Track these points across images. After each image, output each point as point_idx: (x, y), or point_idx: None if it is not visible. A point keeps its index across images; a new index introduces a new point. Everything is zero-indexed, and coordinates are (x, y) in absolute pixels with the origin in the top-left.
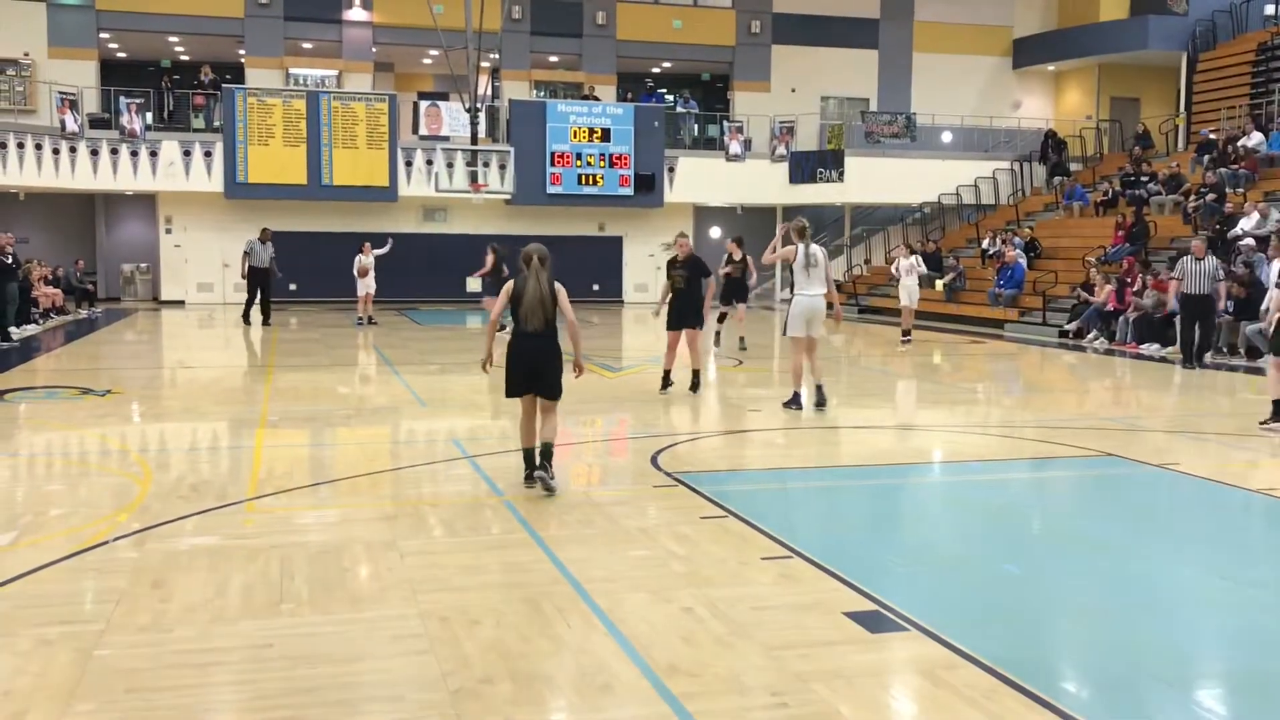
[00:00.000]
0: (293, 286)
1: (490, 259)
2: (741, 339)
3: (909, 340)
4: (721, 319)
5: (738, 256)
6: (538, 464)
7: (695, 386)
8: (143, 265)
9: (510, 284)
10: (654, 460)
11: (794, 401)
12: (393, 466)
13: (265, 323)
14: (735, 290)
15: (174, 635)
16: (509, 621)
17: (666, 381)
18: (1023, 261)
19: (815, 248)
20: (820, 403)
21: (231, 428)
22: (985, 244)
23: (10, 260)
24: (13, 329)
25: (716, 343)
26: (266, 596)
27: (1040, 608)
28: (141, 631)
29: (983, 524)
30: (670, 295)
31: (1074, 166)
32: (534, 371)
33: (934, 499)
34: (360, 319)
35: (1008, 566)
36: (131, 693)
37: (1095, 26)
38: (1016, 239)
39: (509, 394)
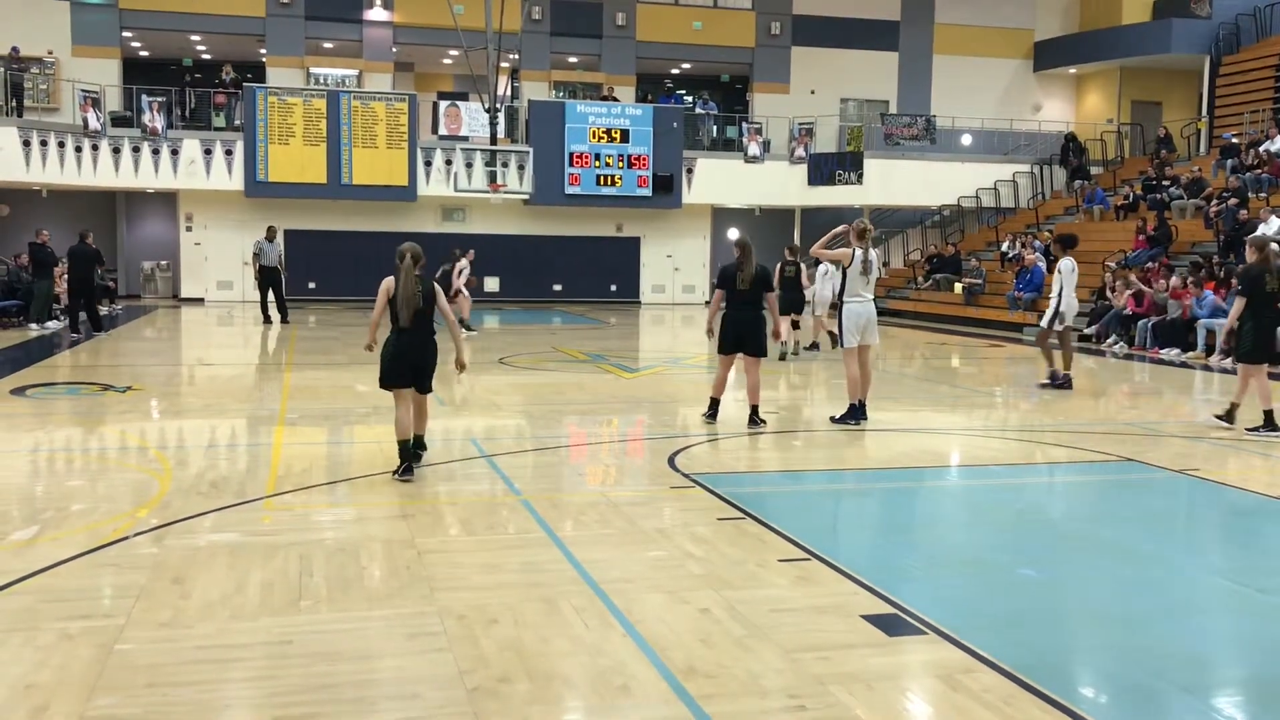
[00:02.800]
0: (311, 285)
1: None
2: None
3: (809, 350)
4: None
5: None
6: (413, 452)
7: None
8: (163, 263)
9: (389, 280)
10: (671, 461)
11: (851, 415)
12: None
13: (284, 320)
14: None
15: (194, 631)
16: (527, 621)
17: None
18: (1042, 265)
19: (874, 253)
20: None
21: (250, 425)
22: (1005, 247)
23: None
24: (33, 325)
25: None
26: (285, 593)
27: (1059, 612)
28: (161, 627)
29: (1001, 528)
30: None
31: (1094, 170)
32: (414, 367)
33: (952, 502)
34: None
35: (1026, 571)
36: (152, 687)
37: (1117, 30)
38: (1036, 242)
39: (388, 386)
